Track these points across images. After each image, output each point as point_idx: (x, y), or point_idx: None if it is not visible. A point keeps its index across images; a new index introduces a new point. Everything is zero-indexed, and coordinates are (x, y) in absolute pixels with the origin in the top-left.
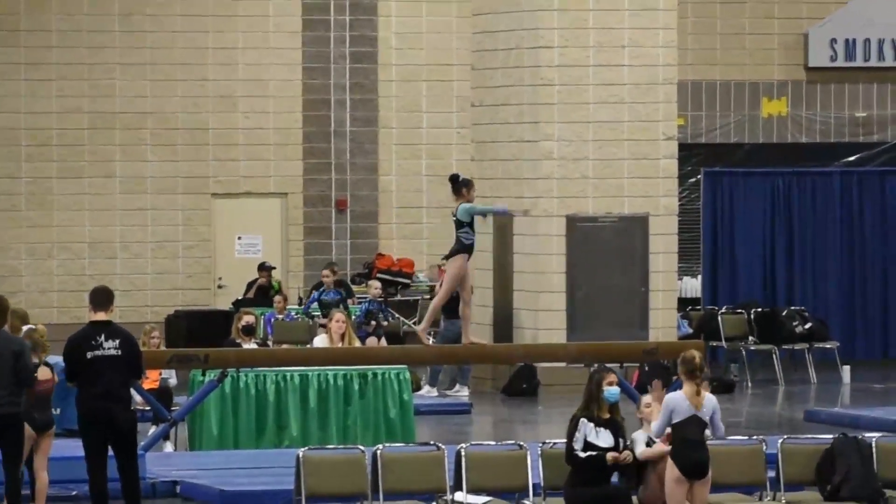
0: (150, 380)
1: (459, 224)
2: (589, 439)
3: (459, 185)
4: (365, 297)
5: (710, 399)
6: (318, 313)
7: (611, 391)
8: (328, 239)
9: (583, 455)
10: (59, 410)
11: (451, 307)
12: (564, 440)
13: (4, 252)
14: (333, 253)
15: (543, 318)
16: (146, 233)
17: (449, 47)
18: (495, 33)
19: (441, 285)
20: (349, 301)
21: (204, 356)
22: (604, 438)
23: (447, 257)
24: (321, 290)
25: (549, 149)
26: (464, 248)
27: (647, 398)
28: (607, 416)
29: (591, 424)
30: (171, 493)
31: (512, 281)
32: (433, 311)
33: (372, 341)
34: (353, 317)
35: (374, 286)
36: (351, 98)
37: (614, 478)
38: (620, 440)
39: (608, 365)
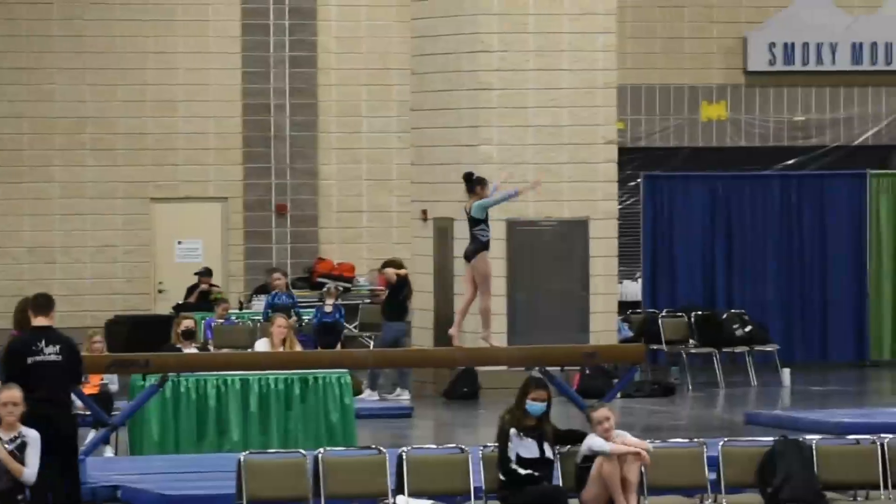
0: (91, 384)
1: (475, 222)
2: (520, 453)
3: (473, 184)
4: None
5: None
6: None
7: (533, 406)
8: (268, 243)
9: (522, 472)
10: None
11: (392, 310)
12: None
13: None
14: (274, 257)
15: None
16: (85, 237)
17: (388, 52)
18: (435, 37)
19: (378, 291)
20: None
21: (145, 361)
22: (528, 448)
23: (467, 258)
24: (274, 294)
25: (489, 153)
26: (482, 245)
27: (605, 412)
28: (532, 423)
29: (520, 434)
30: (111, 498)
31: (452, 284)
32: (462, 314)
33: None
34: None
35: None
36: (291, 102)
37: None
38: (546, 448)
39: (549, 369)
